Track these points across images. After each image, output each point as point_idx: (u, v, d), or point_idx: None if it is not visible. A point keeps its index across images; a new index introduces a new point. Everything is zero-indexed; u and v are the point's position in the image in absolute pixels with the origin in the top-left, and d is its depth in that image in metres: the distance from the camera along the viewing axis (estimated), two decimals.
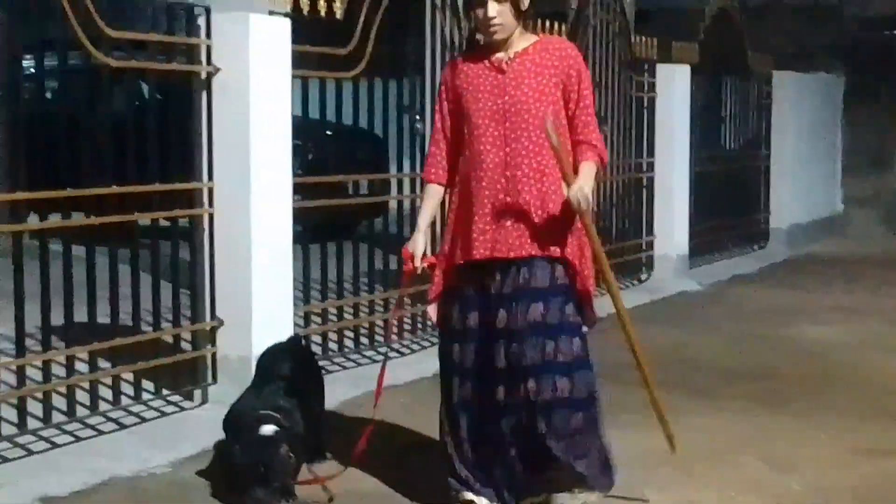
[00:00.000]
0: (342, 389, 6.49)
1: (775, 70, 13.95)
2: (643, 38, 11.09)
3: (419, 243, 4.41)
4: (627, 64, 10.84)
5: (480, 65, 4.32)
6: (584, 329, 4.51)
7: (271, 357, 5.17)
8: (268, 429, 4.39)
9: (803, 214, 14.78)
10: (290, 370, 5.00)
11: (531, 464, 4.35)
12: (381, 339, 7.51)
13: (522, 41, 4.29)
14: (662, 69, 11.39)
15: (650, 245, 11.43)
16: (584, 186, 4.15)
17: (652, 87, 11.33)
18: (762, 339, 8.76)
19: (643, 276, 11.26)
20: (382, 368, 4.74)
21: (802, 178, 14.66)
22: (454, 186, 4.45)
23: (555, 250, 4.24)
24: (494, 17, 4.11)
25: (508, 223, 4.19)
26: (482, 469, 4.39)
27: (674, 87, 11.52)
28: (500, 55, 4.28)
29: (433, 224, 5.59)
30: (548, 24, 9.10)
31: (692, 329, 9.02)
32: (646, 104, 11.27)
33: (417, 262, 4.38)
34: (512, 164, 4.20)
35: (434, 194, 4.54)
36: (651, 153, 11.34)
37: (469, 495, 4.38)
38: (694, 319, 9.57)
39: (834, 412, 6.50)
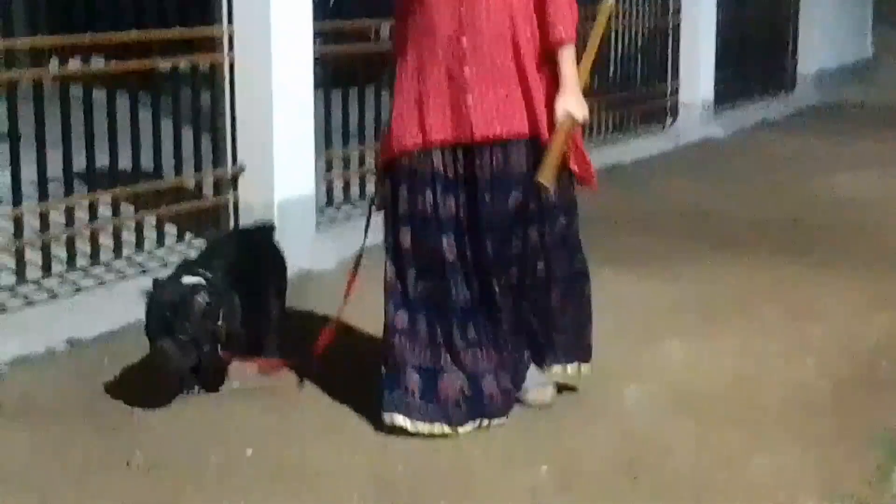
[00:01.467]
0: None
1: None
2: None
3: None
4: None
5: None
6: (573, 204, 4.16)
7: (224, 238, 4.71)
8: (190, 279, 3.96)
9: (832, 59, 14.78)
10: (239, 255, 4.51)
11: (533, 343, 4.25)
12: None
13: None
14: None
15: (675, 90, 11.47)
16: (569, 100, 3.86)
17: None
18: (787, 188, 8.88)
19: (667, 123, 11.29)
20: (355, 267, 4.34)
21: (831, 23, 14.64)
22: (400, 56, 4.01)
23: (518, 126, 3.90)
24: None
25: (468, 98, 3.83)
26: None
27: None
28: None
29: None
30: None
31: (716, 178, 9.13)
32: None
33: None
34: (469, 27, 3.79)
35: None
36: (678, 5, 11.32)
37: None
38: (718, 168, 9.65)
39: (857, 264, 6.59)
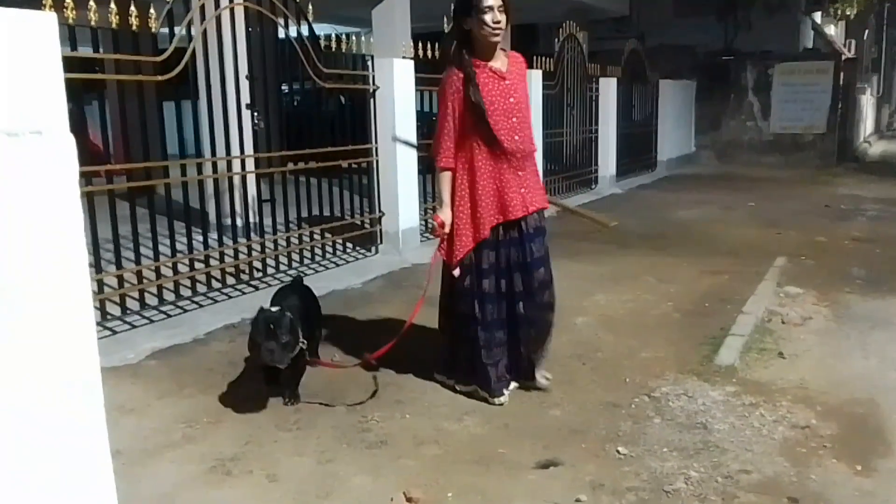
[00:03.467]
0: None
1: (661, 79, 13.95)
2: (592, 65, 11.15)
3: (448, 214, 3.34)
4: (584, 78, 10.93)
5: (485, 72, 3.23)
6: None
7: (280, 292, 3.82)
8: (275, 308, 3.25)
9: (675, 152, 14.88)
10: (293, 299, 3.63)
11: (532, 351, 3.51)
12: None
13: (502, 55, 3.31)
14: (602, 81, 11.48)
15: (596, 170, 11.56)
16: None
17: (596, 90, 11.40)
18: (655, 216, 8.93)
19: (592, 186, 11.38)
20: (419, 303, 3.53)
21: (674, 134, 14.76)
22: (468, 168, 3.30)
23: (544, 203, 3.45)
24: (500, 23, 3.15)
25: (523, 190, 3.30)
26: (500, 367, 3.47)
27: (608, 90, 11.60)
28: (496, 65, 3.26)
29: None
30: (543, 58, 9.30)
31: (618, 212, 9.24)
32: (594, 98, 11.36)
33: (447, 228, 3.34)
34: (521, 150, 3.29)
35: (448, 176, 3.33)
36: (596, 123, 11.44)
37: (501, 398, 3.44)
38: (619, 208, 9.74)
39: (693, 253, 6.63)
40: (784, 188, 11.66)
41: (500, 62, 3.30)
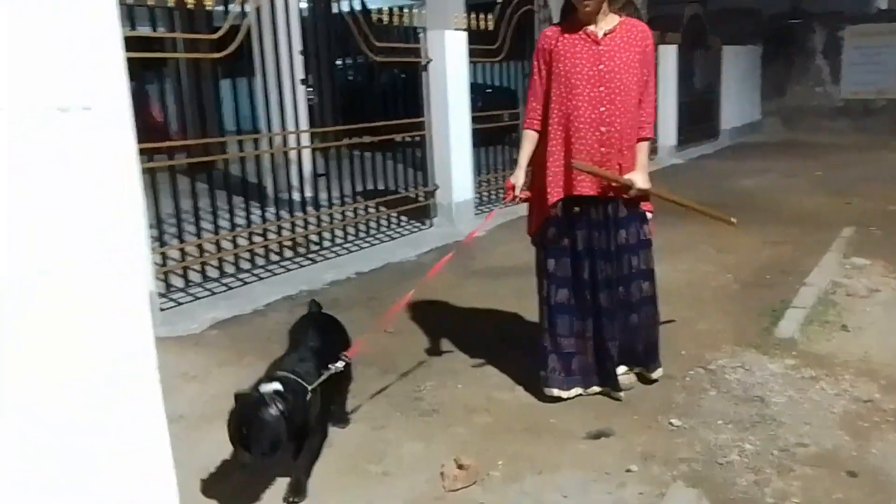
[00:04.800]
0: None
1: (724, 45, 13.50)
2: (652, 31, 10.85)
3: (520, 178, 3.12)
4: None
5: (577, 35, 2.97)
6: (650, 238, 3.23)
7: (296, 327, 2.96)
8: (266, 387, 2.32)
9: (738, 120, 14.43)
10: (311, 337, 2.78)
11: (620, 350, 3.20)
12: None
13: (610, 19, 2.99)
14: (661, 48, 11.17)
15: (657, 139, 11.29)
16: (641, 180, 3.04)
17: (656, 58, 11.10)
18: (716, 186, 8.55)
19: (652, 157, 11.05)
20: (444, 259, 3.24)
21: (738, 101, 14.30)
22: (543, 134, 3.08)
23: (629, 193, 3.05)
24: None
25: (603, 168, 2.98)
26: (571, 361, 3.18)
27: (668, 57, 11.30)
28: (592, 28, 2.97)
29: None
30: None
31: (677, 182, 9.05)
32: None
33: (517, 192, 3.12)
34: (607, 122, 2.95)
35: (532, 139, 3.11)
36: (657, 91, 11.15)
37: (557, 392, 3.17)
38: (680, 178, 9.53)
39: (754, 222, 6.32)
40: (854, 155, 11.19)
41: (602, 26, 2.98)
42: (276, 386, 2.33)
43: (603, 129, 2.97)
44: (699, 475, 2.58)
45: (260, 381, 2.40)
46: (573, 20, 3.02)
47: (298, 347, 2.71)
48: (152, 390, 1.29)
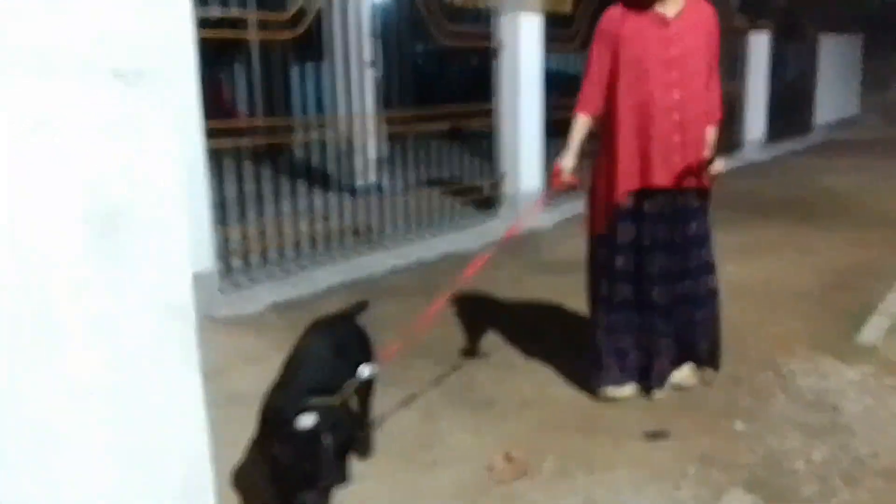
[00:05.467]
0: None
1: (821, 33, 13.04)
2: (741, 16, 10.65)
3: (570, 162, 3.06)
4: (731, 31, 10.37)
5: (645, 17, 2.89)
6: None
7: (312, 334, 2.62)
8: (306, 420, 2.11)
9: (835, 114, 13.95)
10: (331, 347, 2.50)
11: (680, 348, 3.17)
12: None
13: (676, 1, 2.92)
14: (753, 36, 10.87)
15: (741, 134, 11.02)
16: (717, 162, 3.01)
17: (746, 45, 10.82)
18: (803, 185, 8.46)
19: (736, 151, 10.86)
20: (480, 261, 3.10)
21: (834, 94, 13.79)
22: (612, 121, 2.98)
23: (704, 181, 3.01)
24: None
25: (677, 158, 2.92)
26: (626, 360, 3.14)
27: (759, 45, 10.94)
28: (660, 10, 2.89)
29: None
30: None
31: (764, 180, 8.87)
32: (743, 55, 10.81)
33: (566, 177, 3.05)
34: (682, 108, 2.89)
35: (586, 125, 3.05)
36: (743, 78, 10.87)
37: (612, 391, 3.16)
38: (765, 175, 9.32)
39: (842, 224, 6.33)
40: None
41: (671, 7, 2.91)
42: (313, 419, 2.14)
43: (677, 115, 2.90)
44: (760, 481, 2.55)
45: (287, 405, 2.20)
46: (635, 0, 2.92)
47: (313, 354, 2.49)
48: (191, 369, 1.35)
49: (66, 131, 1.04)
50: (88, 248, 1.08)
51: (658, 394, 3.17)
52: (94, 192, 1.08)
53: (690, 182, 2.98)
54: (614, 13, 2.98)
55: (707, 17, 2.99)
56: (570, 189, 3.16)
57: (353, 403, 2.51)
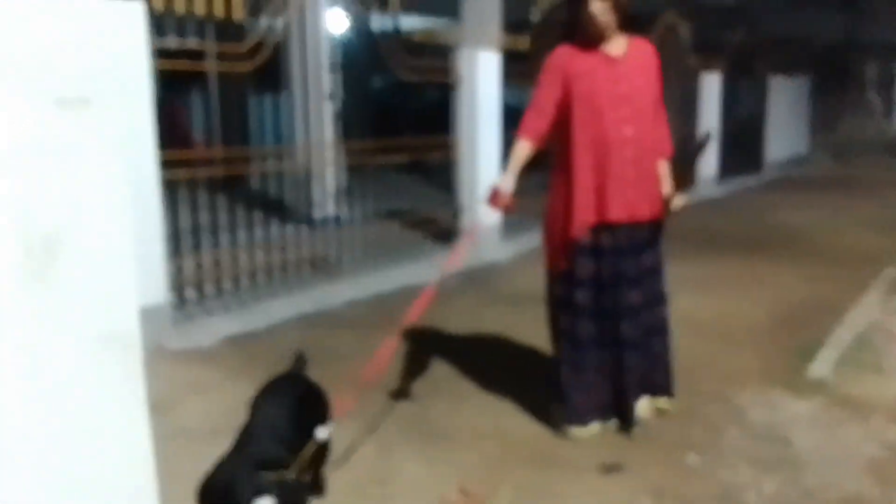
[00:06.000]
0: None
1: (772, 74, 13.49)
2: (693, 57, 10.91)
3: (509, 184, 3.06)
4: (684, 73, 10.70)
5: (593, 56, 2.96)
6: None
7: (263, 397, 2.44)
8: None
9: (785, 152, 14.34)
10: (283, 409, 2.34)
11: (640, 380, 3.17)
12: None
13: (621, 40, 2.99)
14: (705, 75, 11.18)
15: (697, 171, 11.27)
16: (677, 198, 3.10)
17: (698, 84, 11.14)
18: (756, 220, 8.69)
19: (690, 188, 11.07)
20: (429, 291, 3.00)
21: (785, 133, 14.21)
22: (567, 157, 3.00)
23: (659, 212, 3.09)
24: (600, 14, 2.89)
25: (632, 192, 2.97)
26: (590, 396, 3.13)
27: (711, 85, 11.28)
28: (607, 50, 2.97)
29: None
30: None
31: (716, 215, 9.00)
32: (694, 95, 11.13)
33: (504, 200, 3.05)
34: (635, 144, 2.95)
35: (527, 150, 3.04)
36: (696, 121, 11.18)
37: (577, 431, 3.14)
38: (718, 210, 9.46)
39: (795, 259, 6.45)
40: None
41: (616, 47, 2.99)
42: (269, 501, 1.95)
43: (630, 150, 2.96)
44: None
45: (238, 482, 1.99)
46: (583, 41, 3.00)
47: (266, 421, 2.30)
48: (138, 411, 1.31)
49: (2, 153, 1.02)
50: (25, 274, 1.05)
51: (624, 429, 3.17)
52: (31, 217, 1.06)
53: (645, 215, 3.04)
54: (564, 51, 3.04)
55: (649, 56, 3.07)
56: (507, 211, 3.17)
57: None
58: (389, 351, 2.89)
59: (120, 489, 1.37)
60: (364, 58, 6.17)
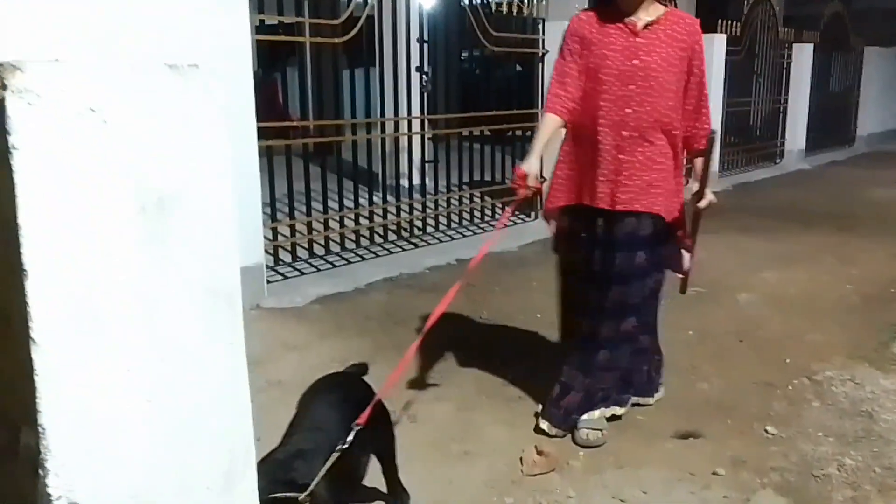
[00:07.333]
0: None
1: (867, 46, 12.72)
2: (786, 29, 10.39)
3: (533, 165, 2.64)
4: (776, 44, 10.24)
5: (614, 24, 2.57)
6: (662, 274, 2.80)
7: (309, 399, 2.17)
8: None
9: (879, 126, 13.58)
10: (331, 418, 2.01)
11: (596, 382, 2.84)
12: None
13: (653, 10, 2.58)
14: (796, 48, 10.69)
15: (782, 144, 10.82)
16: (707, 192, 2.59)
17: (789, 56, 10.62)
18: (845, 194, 8.34)
19: (777, 161, 10.69)
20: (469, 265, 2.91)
21: (879, 106, 13.43)
22: (570, 129, 2.73)
23: (656, 207, 2.61)
24: None
25: (622, 178, 2.57)
26: (567, 397, 2.86)
27: (803, 57, 10.70)
28: (633, 19, 2.57)
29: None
30: (730, 22, 8.81)
31: (804, 190, 8.70)
32: (786, 66, 10.61)
33: (530, 182, 2.62)
34: (631, 125, 2.55)
35: (551, 124, 2.67)
36: (787, 92, 10.66)
37: (546, 426, 2.86)
38: (806, 185, 9.15)
39: (885, 235, 6.18)
40: None
41: (642, 16, 2.58)
42: None
43: (625, 132, 2.57)
44: (791, 486, 2.49)
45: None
46: (612, 7, 2.61)
47: (311, 424, 2.03)
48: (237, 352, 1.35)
49: (119, 116, 1.06)
50: (140, 231, 1.10)
51: (578, 436, 2.80)
52: (145, 178, 1.10)
53: (635, 206, 2.61)
54: (584, 16, 2.68)
55: (688, 31, 2.60)
56: (535, 194, 2.87)
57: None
58: (410, 354, 2.30)
59: (221, 430, 1.41)
60: (452, 31, 6.12)
